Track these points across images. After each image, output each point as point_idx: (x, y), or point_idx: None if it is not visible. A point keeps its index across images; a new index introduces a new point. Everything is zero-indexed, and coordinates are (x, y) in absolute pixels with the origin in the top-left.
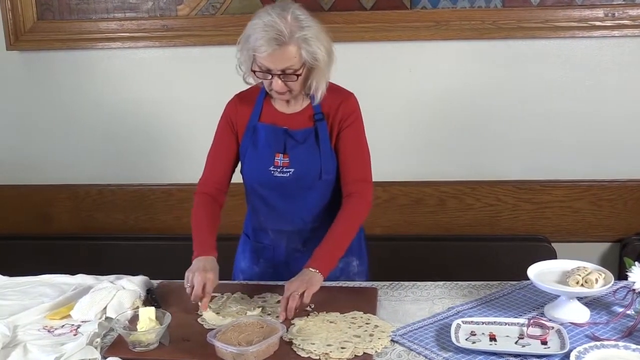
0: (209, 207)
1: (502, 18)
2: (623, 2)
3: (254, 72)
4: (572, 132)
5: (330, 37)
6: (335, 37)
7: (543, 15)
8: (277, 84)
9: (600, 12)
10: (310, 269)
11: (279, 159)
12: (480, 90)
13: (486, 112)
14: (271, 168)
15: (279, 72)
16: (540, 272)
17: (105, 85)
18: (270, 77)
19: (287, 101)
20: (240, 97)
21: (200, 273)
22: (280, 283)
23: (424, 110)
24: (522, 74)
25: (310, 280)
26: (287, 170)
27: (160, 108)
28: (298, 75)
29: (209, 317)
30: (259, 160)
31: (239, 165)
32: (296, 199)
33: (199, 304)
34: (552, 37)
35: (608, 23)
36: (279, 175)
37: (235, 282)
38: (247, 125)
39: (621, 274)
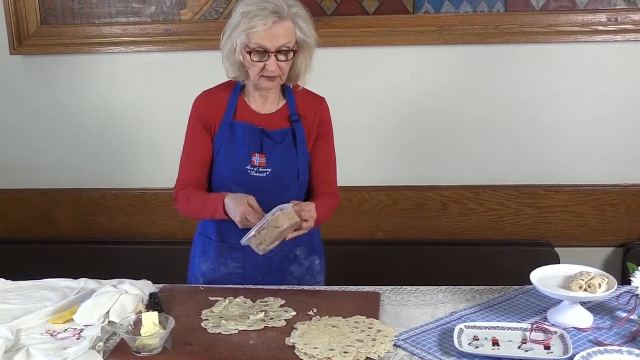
0: (198, 188)
1: (505, 23)
2: (626, 7)
3: (249, 53)
4: (575, 136)
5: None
6: (338, 41)
7: (545, 19)
8: (273, 64)
9: (603, 17)
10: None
11: (256, 158)
12: (482, 95)
13: (488, 116)
14: (248, 167)
15: (274, 50)
16: (543, 277)
17: (109, 90)
18: (265, 57)
19: (266, 98)
20: (210, 95)
21: (239, 204)
22: (282, 287)
23: (426, 115)
24: (524, 78)
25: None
26: (264, 170)
27: (164, 112)
28: (294, 52)
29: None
30: (235, 158)
31: None
32: (271, 198)
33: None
34: (555, 42)
35: (611, 28)
36: (255, 174)
37: (238, 286)
38: (222, 122)
39: (624, 279)
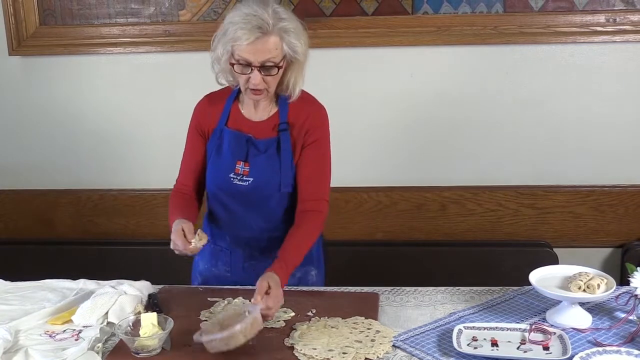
0: (182, 198)
1: (504, 23)
2: (624, 8)
3: (232, 65)
4: (574, 137)
5: (308, 34)
6: (337, 42)
7: (544, 20)
8: (256, 78)
9: (601, 18)
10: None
11: (240, 166)
12: (481, 96)
13: (487, 117)
14: (231, 175)
15: (258, 65)
16: (542, 278)
17: (107, 91)
18: (249, 70)
19: (257, 105)
20: (210, 99)
21: (174, 232)
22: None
23: (425, 116)
24: (523, 79)
25: (279, 297)
26: (247, 179)
27: (162, 113)
28: (279, 68)
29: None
30: (220, 166)
31: None
32: (255, 207)
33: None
34: (554, 43)
35: (609, 28)
36: (238, 183)
37: (237, 286)
38: (215, 128)
39: (623, 280)
